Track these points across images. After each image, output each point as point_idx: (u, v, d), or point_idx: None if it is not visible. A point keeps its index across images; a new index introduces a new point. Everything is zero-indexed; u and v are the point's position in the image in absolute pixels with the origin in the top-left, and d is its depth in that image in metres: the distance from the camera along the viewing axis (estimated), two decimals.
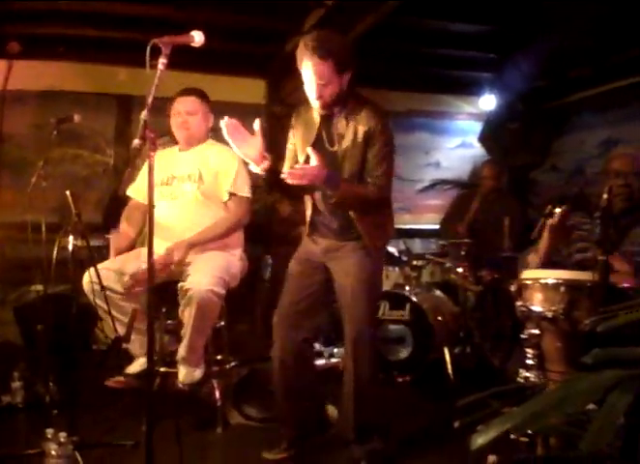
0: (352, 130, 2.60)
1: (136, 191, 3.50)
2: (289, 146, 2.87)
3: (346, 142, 2.62)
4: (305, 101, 2.72)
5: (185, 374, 3.17)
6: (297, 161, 2.78)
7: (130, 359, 3.51)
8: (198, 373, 3.19)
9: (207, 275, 3.08)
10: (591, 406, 1.14)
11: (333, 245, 2.79)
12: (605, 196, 2.32)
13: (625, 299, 2.25)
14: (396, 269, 4.94)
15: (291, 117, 2.86)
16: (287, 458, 2.82)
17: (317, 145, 2.65)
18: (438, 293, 4.80)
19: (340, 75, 2.55)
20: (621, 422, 1.25)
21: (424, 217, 6.72)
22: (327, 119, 2.68)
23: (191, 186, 3.35)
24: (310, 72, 2.52)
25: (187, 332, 3.09)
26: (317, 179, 2.49)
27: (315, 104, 2.62)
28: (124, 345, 3.21)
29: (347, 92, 2.63)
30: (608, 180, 2.80)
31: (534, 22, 4.58)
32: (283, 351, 2.82)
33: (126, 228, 3.44)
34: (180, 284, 3.07)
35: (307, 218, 2.88)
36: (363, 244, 2.72)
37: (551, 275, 2.47)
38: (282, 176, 2.49)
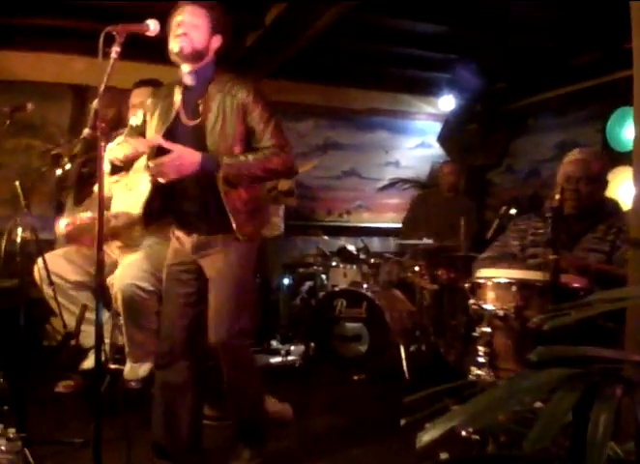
0: (219, 101, 2.46)
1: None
2: (133, 125, 2.66)
3: (213, 114, 2.45)
4: (165, 86, 2.66)
5: (129, 370, 3.14)
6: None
7: (81, 356, 3.46)
8: (143, 370, 3.14)
9: (131, 271, 3.06)
10: (539, 404, 1.15)
11: (203, 240, 2.54)
12: (557, 197, 2.35)
13: (575, 299, 2.28)
14: (354, 267, 4.95)
15: None
16: None
17: (175, 122, 2.50)
18: (395, 291, 4.83)
19: (211, 32, 2.47)
20: (568, 421, 1.26)
21: (383, 215, 6.76)
22: (189, 92, 2.52)
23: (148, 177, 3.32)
24: (185, 14, 2.43)
25: (123, 326, 3.07)
26: (190, 167, 2.34)
27: (176, 47, 2.41)
28: (73, 342, 3.16)
29: (214, 64, 2.54)
30: (560, 182, 2.82)
31: (493, 24, 4.63)
32: (171, 376, 2.56)
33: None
34: (108, 278, 3.06)
35: (173, 210, 2.62)
36: (234, 235, 2.49)
37: (503, 275, 2.49)
38: (150, 175, 2.36)
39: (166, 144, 2.36)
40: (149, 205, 2.59)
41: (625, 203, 3.01)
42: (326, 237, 5.43)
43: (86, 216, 3.17)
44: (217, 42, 2.51)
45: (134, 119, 2.66)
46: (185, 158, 2.35)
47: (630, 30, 2.03)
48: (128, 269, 3.08)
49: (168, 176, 2.35)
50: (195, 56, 2.46)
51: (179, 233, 2.63)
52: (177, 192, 2.55)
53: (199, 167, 2.36)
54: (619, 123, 4.67)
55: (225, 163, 2.38)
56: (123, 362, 3.20)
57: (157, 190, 2.55)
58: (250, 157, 2.44)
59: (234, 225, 2.45)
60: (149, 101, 2.65)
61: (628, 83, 2.02)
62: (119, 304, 3.02)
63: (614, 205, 2.98)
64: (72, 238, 3.22)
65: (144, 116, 2.63)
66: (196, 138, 2.45)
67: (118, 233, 3.20)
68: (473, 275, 2.78)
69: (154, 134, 2.52)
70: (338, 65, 5.85)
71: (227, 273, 2.50)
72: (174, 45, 2.43)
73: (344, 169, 6.64)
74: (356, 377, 4.31)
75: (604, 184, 2.92)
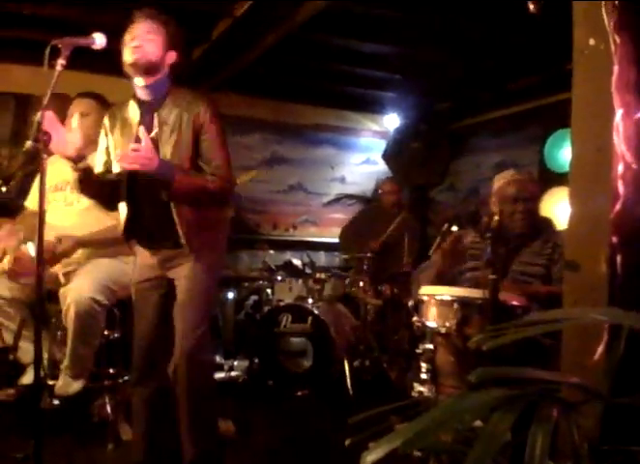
0: (176, 116, 2.46)
1: (32, 201, 3.38)
2: (101, 149, 2.69)
3: (169, 128, 2.46)
4: (119, 103, 2.65)
5: (61, 385, 3.05)
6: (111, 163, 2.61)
7: (21, 368, 3.36)
8: (76, 386, 3.06)
9: (89, 282, 3.00)
10: (479, 423, 1.18)
11: (169, 253, 2.55)
12: (497, 218, 2.42)
13: (513, 317, 2.35)
14: (300, 281, 4.95)
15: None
16: None
17: (137, 138, 2.45)
18: (340, 306, 4.86)
19: (166, 47, 2.47)
20: (507, 440, 1.29)
21: (329, 230, 6.80)
22: (145, 106, 2.53)
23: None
24: (140, 27, 2.42)
25: (69, 339, 3.00)
26: (150, 163, 2.30)
27: (130, 58, 2.40)
28: (10, 357, 3.07)
29: (169, 79, 2.54)
30: (504, 204, 2.93)
31: (437, 45, 4.75)
32: (148, 392, 2.60)
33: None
34: (61, 290, 2.99)
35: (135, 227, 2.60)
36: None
37: (445, 292, 2.55)
38: (115, 160, 2.39)
39: (144, 136, 2.33)
40: (129, 222, 2.57)
41: (561, 222, 3.14)
42: (272, 251, 5.43)
43: (27, 251, 3.09)
44: (171, 57, 2.52)
45: (102, 142, 2.67)
46: (153, 155, 2.32)
47: (570, 53, 2.11)
48: (85, 281, 3.00)
49: (136, 164, 2.29)
50: (149, 68, 2.44)
51: (142, 249, 2.62)
52: (135, 209, 2.54)
53: (156, 170, 2.33)
54: (556, 145, 4.84)
55: (179, 177, 2.37)
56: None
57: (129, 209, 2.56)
58: (200, 178, 2.45)
59: (182, 240, 2.45)
60: (106, 122, 2.64)
61: (566, 106, 2.10)
62: (69, 317, 2.94)
63: (547, 222, 3.14)
64: (12, 275, 3.14)
65: (106, 136, 2.64)
66: None
67: (57, 259, 3.12)
68: (413, 286, 2.83)
69: (118, 149, 2.52)
70: (287, 80, 5.89)
71: (194, 284, 2.50)
72: (128, 57, 2.42)
73: (290, 183, 6.66)
74: (300, 393, 4.31)
75: (539, 202, 3.09)
